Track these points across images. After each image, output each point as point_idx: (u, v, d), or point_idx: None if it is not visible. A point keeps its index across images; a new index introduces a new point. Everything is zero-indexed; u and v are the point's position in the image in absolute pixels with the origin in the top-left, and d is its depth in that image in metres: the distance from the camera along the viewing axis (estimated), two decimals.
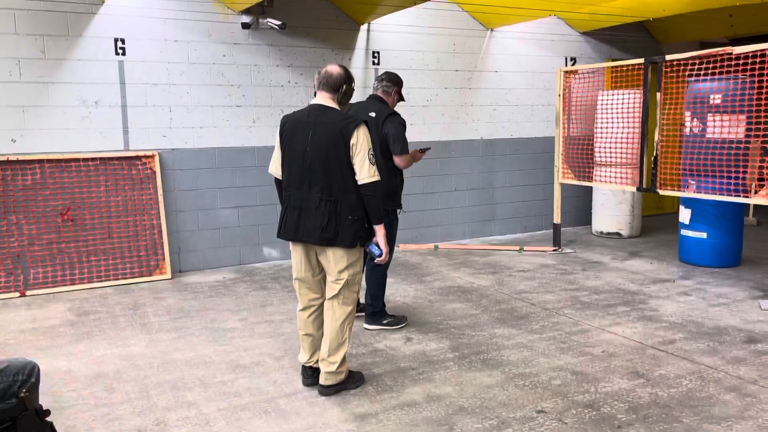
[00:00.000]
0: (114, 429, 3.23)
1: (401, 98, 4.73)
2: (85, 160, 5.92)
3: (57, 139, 5.84)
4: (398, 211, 4.67)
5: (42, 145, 5.78)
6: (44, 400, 3.16)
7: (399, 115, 4.57)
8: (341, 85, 3.52)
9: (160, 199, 6.20)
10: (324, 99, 3.52)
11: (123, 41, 5.99)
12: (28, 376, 2.29)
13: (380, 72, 7.18)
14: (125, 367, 4.02)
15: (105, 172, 6.00)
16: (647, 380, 3.72)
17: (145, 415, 3.38)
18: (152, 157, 6.18)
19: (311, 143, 3.44)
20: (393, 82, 4.64)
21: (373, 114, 4.43)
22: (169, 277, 6.20)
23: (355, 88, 3.67)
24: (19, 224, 5.69)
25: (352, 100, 4.19)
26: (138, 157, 6.14)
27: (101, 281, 5.96)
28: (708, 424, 3.18)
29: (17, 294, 5.64)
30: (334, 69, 3.53)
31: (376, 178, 3.45)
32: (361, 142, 3.40)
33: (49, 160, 5.78)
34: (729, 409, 3.35)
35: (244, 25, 6.40)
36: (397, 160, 4.50)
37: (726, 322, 4.72)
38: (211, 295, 5.61)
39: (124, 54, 6.00)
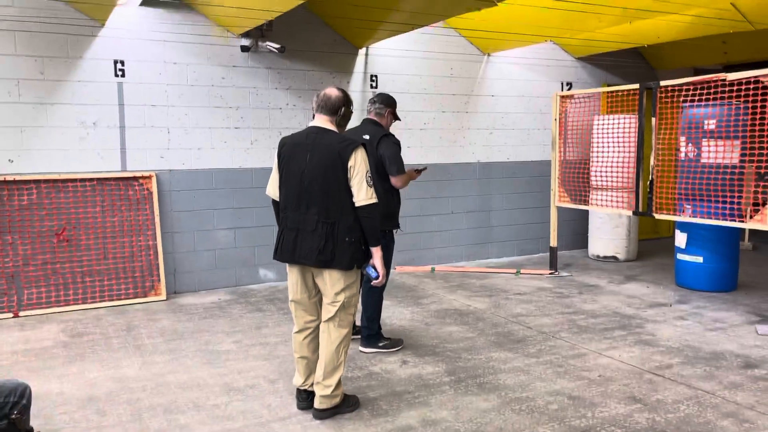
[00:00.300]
0: None
1: (396, 118, 4.74)
2: (82, 180, 5.93)
3: (54, 160, 5.84)
4: (395, 231, 4.67)
5: (39, 165, 5.79)
6: (35, 423, 3.12)
7: (393, 135, 4.59)
8: (340, 108, 3.55)
9: (157, 219, 6.19)
10: (322, 121, 3.55)
11: (122, 63, 6.03)
12: (19, 397, 2.27)
13: None
14: (118, 390, 3.97)
15: (102, 192, 6.00)
16: (644, 405, 3.69)
17: None
18: (149, 177, 6.19)
19: (309, 165, 3.45)
20: (386, 103, 4.65)
21: (367, 136, 4.44)
22: (164, 298, 6.17)
23: (353, 111, 3.70)
24: (14, 244, 5.67)
25: (349, 124, 4.22)
26: (135, 178, 6.14)
27: (95, 302, 5.92)
28: None
29: (10, 315, 5.60)
30: (332, 92, 3.55)
31: (374, 200, 3.46)
32: (358, 164, 3.41)
33: (45, 180, 5.78)
34: None
35: (244, 48, 6.46)
36: (394, 181, 4.51)
37: (723, 347, 4.71)
38: (205, 317, 5.58)
39: (123, 75, 6.04)
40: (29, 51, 5.67)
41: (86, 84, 5.91)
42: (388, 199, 4.50)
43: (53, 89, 5.79)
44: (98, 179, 5.99)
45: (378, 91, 7.22)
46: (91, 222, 5.96)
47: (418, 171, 4.78)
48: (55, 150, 5.84)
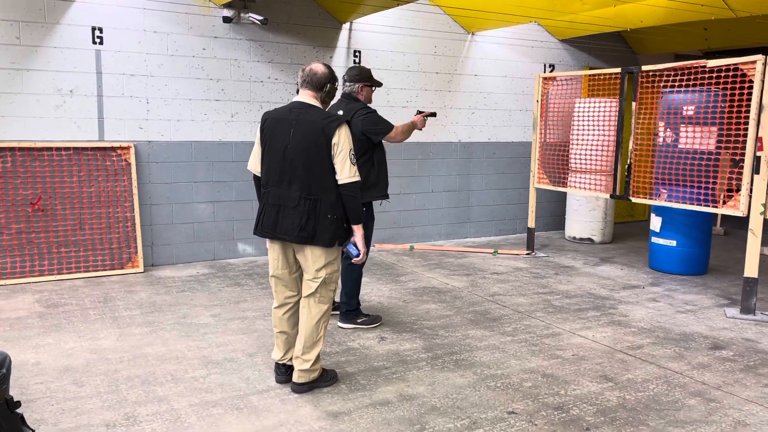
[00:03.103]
0: (82, 422, 3.19)
1: (376, 84, 4.63)
2: (58, 149, 5.82)
3: (30, 127, 5.72)
4: (380, 203, 4.65)
5: (14, 132, 5.67)
6: (11, 392, 3.10)
7: (367, 107, 4.51)
8: (325, 84, 3.52)
9: (135, 191, 6.12)
10: (307, 97, 3.52)
11: (101, 30, 5.90)
12: None
13: None
14: (95, 361, 3.96)
15: (78, 162, 5.91)
16: (615, 384, 3.79)
17: (115, 409, 3.34)
18: (128, 148, 6.10)
19: (292, 141, 3.43)
20: (356, 79, 4.56)
21: (341, 113, 4.41)
22: (141, 270, 6.13)
23: (338, 87, 3.68)
24: None
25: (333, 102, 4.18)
26: (113, 148, 6.05)
27: (71, 273, 5.86)
28: (673, 428, 3.26)
29: None
30: (318, 67, 3.52)
31: (357, 178, 3.46)
32: (342, 141, 3.40)
33: (20, 148, 5.67)
34: (693, 413, 3.43)
35: (226, 19, 6.35)
36: (393, 135, 4.52)
37: (692, 328, 4.84)
38: (183, 290, 5.56)
39: (101, 43, 5.91)
40: (4, 15, 5.52)
41: (63, 50, 5.78)
42: (369, 170, 4.48)
43: (29, 55, 5.65)
44: (75, 148, 5.89)
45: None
46: (67, 192, 5.87)
47: (427, 115, 4.79)
48: (30, 117, 5.72)
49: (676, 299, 5.62)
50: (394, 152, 7.40)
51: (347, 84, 4.59)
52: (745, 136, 5.09)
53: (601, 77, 6.81)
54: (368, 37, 7.24)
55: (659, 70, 5.86)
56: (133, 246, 6.14)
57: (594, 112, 7.07)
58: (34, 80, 5.70)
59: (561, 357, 4.20)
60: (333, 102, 4.61)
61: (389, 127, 4.52)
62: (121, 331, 4.50)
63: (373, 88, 4.67)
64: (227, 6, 6.31)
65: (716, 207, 5.56)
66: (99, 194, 6.00)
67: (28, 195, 5.73)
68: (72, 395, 3.49)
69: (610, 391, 3.69)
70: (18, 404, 2.08)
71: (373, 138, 4.47)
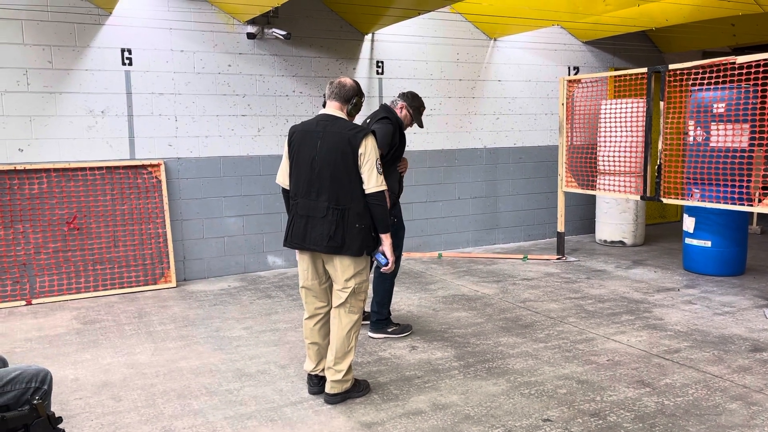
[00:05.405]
0: None
1: (415, 122, 4.63)
2: (92, 169, 5.96)
3: (64, 149, 5.88)
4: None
5: (49, 154, 5.82)
6: (52, 408, 3.17)
7: (389, 120, 4.39)
8: (353, 97, 3.57)
9: (166, 207, 6.23)
10: (334, 109, 3.56)
11: (130, 51, 6.04)
12: (40, 383, 2.32)
13: (384, 82, 7.23)
14: (132, 376, 4.03)
15: (111, 180, 6.04)
16: (653, 389, 3.72)
17: (152, 423, 3.39)
18: (158, 166, 6.21)
19: (320, 152, 3.46)
20: (402, 98, 4.61)
21: (368, 120, 4.51)
22: (174, 285, 6.22)
23: (363, 102, 3.71)
24: (26, 233, 5.72)
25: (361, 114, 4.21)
26: (144, 166, 6.17)
27: (107, 289, 5.98)
28: None
29: (23, 302, 5.66)
30: (347, 81, 3.58)
31: (384, 187, 3.48)
32: (369, 151, 3.43)
33: (55, 169, 5.81)
34: (735, 417, 3.35)
35: (250, 36, 6.45)
36: None
37: (731, 330, 4.73)
38: (216, 304, 5.63)
39: (130, 64, 6.05)
40: (37, 40, 5.68)
41: (94, 73, 5.92)
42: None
43: (61, 78, 5.81)
44: (107, 168, 6.02)
45: (384, 77, 7.22)
46: (101, 210, 6.00)
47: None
48: (64, 139, 5.87)
49: (713, 301, 5.50)
50: (418, 160, 7.41)
51: (395, 97, 4.65)
52: None
53: (627, 78, 6.74)
54: (390, 47, 7.28)
55: (687, 69, 5.77)
56: (165, 261, 6.24)
57: (621, 113, 6.99)
58: (66, 102, 5.85)
59: (596, 362, 4.14)
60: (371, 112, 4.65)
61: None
62: (156, 346, 4.57)
63: (413, 120, 4.63)
64: (251, 22, 6.40)
65: (751, 205, 5.44)
66: (131, 211, 6.12)
67: (64, 214, 5.87)
68: (110, 410, 3.55)
69: (647, 396, 3.62)
70: (60, 420, 2.13)
71: None
